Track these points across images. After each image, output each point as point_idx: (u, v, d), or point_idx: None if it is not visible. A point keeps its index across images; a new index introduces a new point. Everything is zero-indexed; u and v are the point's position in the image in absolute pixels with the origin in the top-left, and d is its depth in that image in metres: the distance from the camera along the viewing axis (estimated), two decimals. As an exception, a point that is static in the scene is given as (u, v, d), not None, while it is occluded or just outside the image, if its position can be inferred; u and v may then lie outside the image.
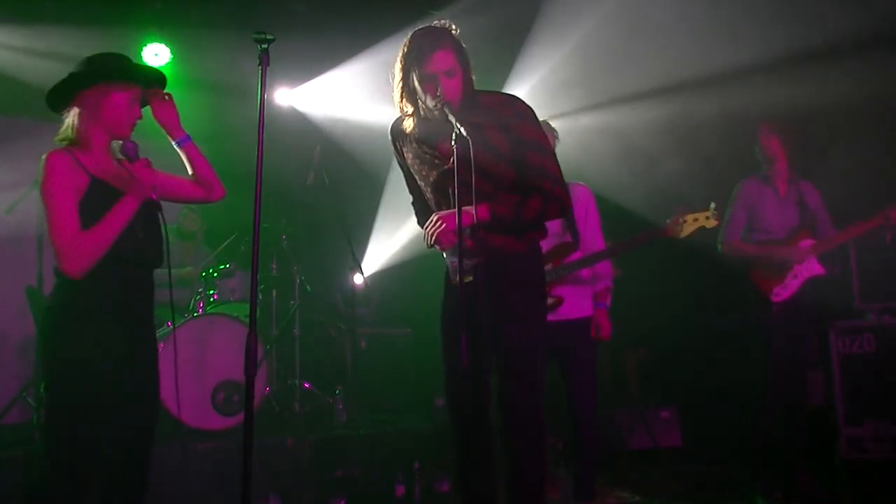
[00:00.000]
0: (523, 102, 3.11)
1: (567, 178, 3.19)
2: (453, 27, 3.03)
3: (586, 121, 6.26)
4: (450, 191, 2.97)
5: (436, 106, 2.92)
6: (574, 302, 4.16)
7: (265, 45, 2.64)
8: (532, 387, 2.98)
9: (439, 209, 3.09)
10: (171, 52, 6.48)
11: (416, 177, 3.18)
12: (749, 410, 4.62)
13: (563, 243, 4.12)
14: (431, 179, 3.08)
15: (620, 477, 5.35)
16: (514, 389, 2.96)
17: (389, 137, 3.23)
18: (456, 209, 2.74)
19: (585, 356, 4.18)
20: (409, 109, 3.04)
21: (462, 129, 2.76)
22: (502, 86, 6.33)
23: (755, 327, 4.60)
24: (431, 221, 2.99)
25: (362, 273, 6.34)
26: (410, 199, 3.37)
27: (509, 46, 6.27)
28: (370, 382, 6.41)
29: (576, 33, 5.98)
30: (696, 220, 4.12)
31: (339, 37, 6.39)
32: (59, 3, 5.79)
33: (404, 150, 3.17)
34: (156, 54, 6.44)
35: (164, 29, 6.40)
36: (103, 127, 2.89)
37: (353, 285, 6.39)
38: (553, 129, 4.25)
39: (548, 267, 3.95)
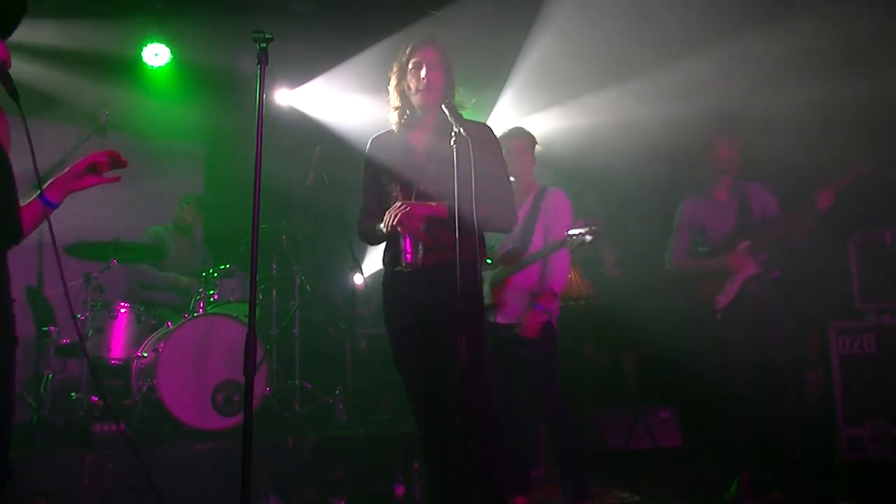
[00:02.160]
0: (490, 128, 3.46)
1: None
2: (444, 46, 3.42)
3: (584, 119, 6.27)
4: (413, 181, 3.26)
5: (420, 94, 3.29)
6: (521, 305, 4.22)
7: (264, 45, 2.66)
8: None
9: (395, 201, 3.28)
10: (171, 53, 6.49)
11: (392, 187, 3.34)
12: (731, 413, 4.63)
13: (512, 249, 4.27)
14: (397, 172, 3.31)
15: (620, 477, 5.36)
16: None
17: (369, 149, 3.47)
18: (421, 201, 3.11)
19: (543, 358, 4.21)
20: (397, 103, 3.39)
21: (462, 130, 2.84)
22: (501, 85, 6.35)
23: (708, 340, 4.66)
24: (393, 206, 3.17)
25: (362, 273, 6.34)
26: (362, 216, 3.48)
27: (507, 47, 6.28)
28: (370, 382, 6.42)
29: (577, 31, 5.98)
30: (578, 236, 3.95)
31: (340, 37, 6.39)
32: (59, 1, 5.80)
33: (384, 161, 3.39)
34: (156, 54, 6.44)
35: (163, 29, 6.41)
36: None
37: (353, 285, 6.40)
38: (532, 137, 4.42)
39: (496, 270, 4.21)
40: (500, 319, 4.19)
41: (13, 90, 2.42)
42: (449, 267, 2.91)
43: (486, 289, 4.19)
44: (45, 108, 6.38)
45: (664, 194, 5.32)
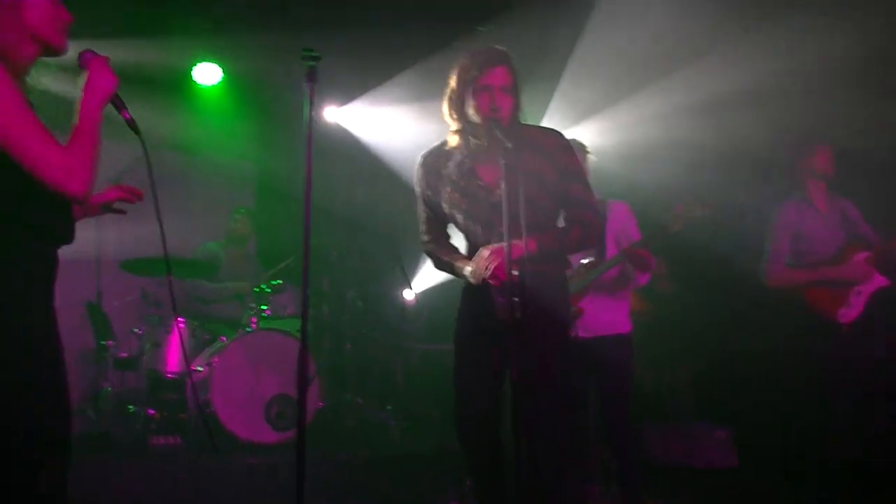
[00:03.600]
0: (561, 134, 3.18)
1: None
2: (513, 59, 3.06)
3: (632, 134, 6.21)
4: (495, 222, 2.96)
5: (485, 120, 2.94)
6: (605, 318, 4.14)
7: (313, 63, 2.67)
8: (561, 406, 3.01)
9: (476, 241, 3.11)
10: (223, 72, 6.61)
11: (453, 210, 3.14)
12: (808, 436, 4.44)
13: (589, 262, 4.11)
14: (473, 211, 3.08)
15: (670, 494, 5.25)
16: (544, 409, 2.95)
17: (419, 169, 3.23)
18: (503, 242, 2.74)
19: (619, 373, 4.14)
20: (455, 126, 3.08)
21: (510, 144, 2.77)
22: (547, 102, 6.32)
23: (814, 355, 4.39)
24: (481, 256, 2.96)
25: (412, 289, 6.36)
26: (426, 238, 3.31)
27: (554, 62, 6.25)
28: (421, 398, 6.42)
29: (623, 46, 5.94)
30: (691, 212, 3.94)
31: (387, 55, 6.44)
32: (114, 22, 5.95)
33: (438, 184, 3.16)
34: (207, 73, 6.58)
35: (215, 49, 6.53)
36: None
37: (404, 301, 6.42)
38: (584, 147, 4.28)
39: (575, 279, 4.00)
40: (582, 333, 4.02)
41: (131, 120, 2.39)
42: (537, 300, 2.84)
43: None
44: (101, 128, 6.54)
45: (719, 205, 5.23)
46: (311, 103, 2.67)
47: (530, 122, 3.24)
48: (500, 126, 2.88)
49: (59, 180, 2.03)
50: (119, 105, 2.34)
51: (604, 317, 4.13)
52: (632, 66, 5.98)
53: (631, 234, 4.19)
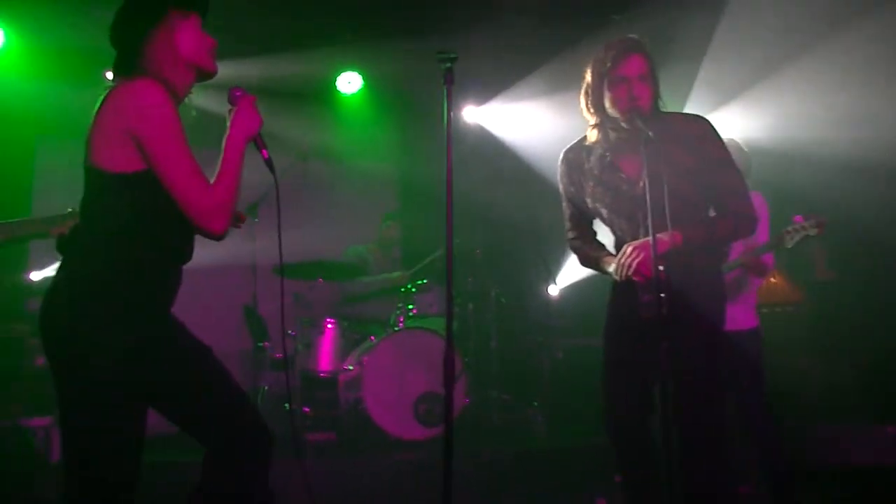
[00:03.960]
0: (708, 121, 3.04)
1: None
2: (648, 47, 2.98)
3: (792, 106, 5.91)
4: (639, 216, 2.92)
5: (625, 112, 2.89)
6: (733, 313, 3.98)
7: (449, 64, 2.69)
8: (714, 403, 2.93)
9: (622, 236, 3.06)
10: (363, 79, 6.80)
11: (596, 205, 3.10)
12: None
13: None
14: (616, 205, 3.03)
15: (834, 498, 4.96)
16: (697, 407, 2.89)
17: (561, 165, 3.20)
18: (648, 237, 2.69)
19: (753, 367, 4.02)
20: (593, 120, 3.03)
21: (651, 134, 2.71)
22: (687, 93, 6.12)
23: None
24: (625, 253, 2.90)
25: (556, 284, 6.32)
26: (571, 234, 3.28)
27: (694, 47, 6.04)
28: (568, 394, 6.36)
29: (762, 37, 5.67)
30: (801, 228, 3.79)
31: (523, 51, 6.43)
32: (259, 38, 6.24)
33: (581, 179, 3.13)
34: (349, 82, 6.78)
35: (355, 57, 6.73)
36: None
37: (548, 297, 6.38)
38: (739, 145, 4.14)
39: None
40: None
41: (269, 160, 2.50)
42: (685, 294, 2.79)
43: None
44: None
45: (888, 186, 4.91)
46: (449, 104, 2.70)
47: (671, 109, 3.12)
48: (640, 115, 2.82)
49: (203, 222, 2.19)
50: (260, 144, 2.46)
51: (732, 311, 3.99)
52: (779, 44, 5.71)
53: (759, 231, 4.04)
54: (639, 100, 2.88)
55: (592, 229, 3.28)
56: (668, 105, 3.07)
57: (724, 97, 6.04)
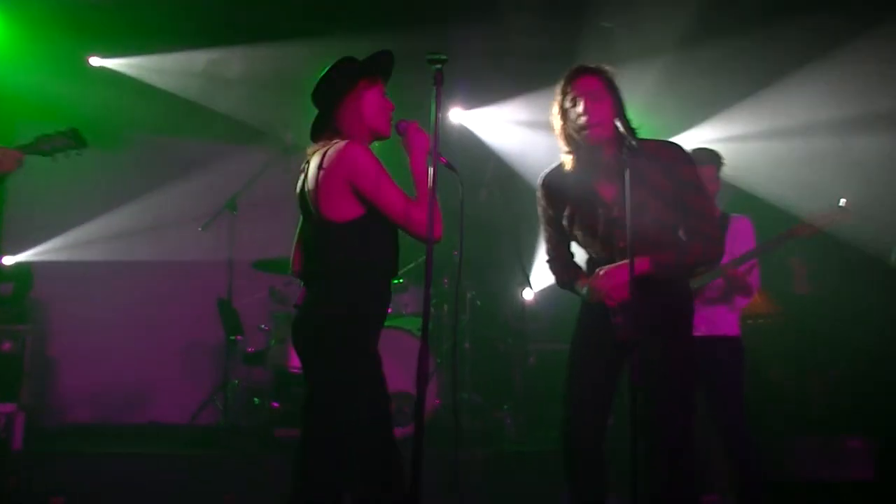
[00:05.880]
0: (679, 146, 3.13)
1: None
2: (609, 68, 3.07)
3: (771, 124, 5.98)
4: (614, 240, 3.02)
5: (580, 129, 2.96)
6: (713, 319, 4.05)
7: (439, 66, 2.71)
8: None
9: (597, 259, 3.14)
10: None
11: (573, 228, 3.15)
12: None
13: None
14: (592, 229, 3.08)
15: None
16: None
17: (539, 190, 3.24)
18: (618, 262, 2.93)
19: (731, 377, 4.03)
20: (567, 148, 3.08)
21: (633, 142, 2.77)
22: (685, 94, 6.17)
23: None
24: (597, 276, 3.00)
25: (532, 288, 6.34)
26: (548, 256, 3.33)
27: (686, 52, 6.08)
28: (539, 398, 6.37)
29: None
30: (826, 216, 3.86)
31: (514, 54, 6.44)
32: (248, 29, 6.21)
33: (559, 203, 3.17)
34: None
35: (343, 54, 6.69)
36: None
37: (523, 301, 6.39)
38: (719, 157, 4.20)
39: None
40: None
41: (448, 163, 2.85)
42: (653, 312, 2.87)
43: None
44: (234, 132, 6.85)
45: (864, 206, 4.96)
46: (438, 105, 2.70)
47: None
48: (610, 141, 2.91)
49: (425, 232, 2.65)
50: (436, 156, 2.76)
51: (711, 317, 4.06)
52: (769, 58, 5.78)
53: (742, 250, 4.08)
54: (592, 116, 2.94)
55: (570, 252, 3.33)
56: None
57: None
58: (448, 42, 6.01)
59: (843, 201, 3.88)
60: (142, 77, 6.36)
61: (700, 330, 3.97)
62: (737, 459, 4.01)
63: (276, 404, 5.44)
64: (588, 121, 2.94)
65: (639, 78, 5.79)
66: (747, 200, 5.65)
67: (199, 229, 5.70)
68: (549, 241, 3.31)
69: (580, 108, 2.96)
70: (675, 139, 3.25)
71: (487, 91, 6.88)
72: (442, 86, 2.71)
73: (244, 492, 4.48)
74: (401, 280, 5.87)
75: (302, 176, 2.92)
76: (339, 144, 2.75)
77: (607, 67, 3.06)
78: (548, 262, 3.35)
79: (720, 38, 5.73)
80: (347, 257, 2.75)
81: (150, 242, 6.62)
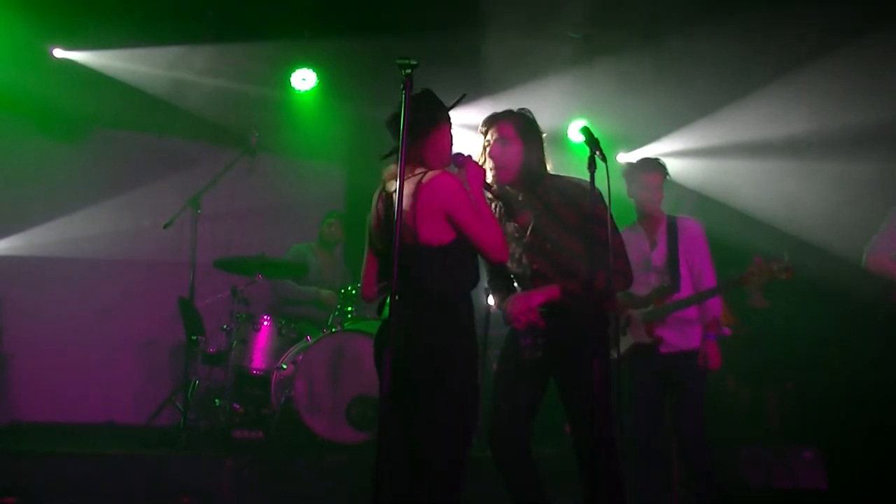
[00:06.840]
0: (588, 185, 3.26)
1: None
2: (528, 112, 3.36)
3: (726, 139, 6.07)
4: (526, 264, 3.32)
5: (489, 168, 3.26)
6: (680, 333, 4.16)
7: (408, 70, 2.72)
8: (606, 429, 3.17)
9: (519, 282, 3.39)
10: (318, 77, 6.75)
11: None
12: None
13: (662, 287, 4.16)
14: (516, 256, 3.33)
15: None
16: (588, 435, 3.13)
17: None
18: (528, 289, 3.28)
19: (694, 389, 4.14)
20: (494, 186, 3.32)
21: (540, 181, 3.21)
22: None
23: None
24: (509, 301, 3.26)
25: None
26: (487, 279, 3.52)
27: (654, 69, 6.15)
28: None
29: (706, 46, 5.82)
30: (769, 271, 3.90)
31: (480, 65, 6.45)
32: (217, 26, 6.16)
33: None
34: (303, 79, 6.73)
35: (311, 55, 6.68)
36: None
37: (487, 307, 6.40)
38: (664, 168, 4.30)
39: (649, 308, 4.12)
40: (664, 350, 4.13)
41: (491, 188, 3.19)
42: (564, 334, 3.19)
43: (641, 328, 4.13)
44: (199, 130, 6.79)
45: (825, 219, 5.06)
46: (406, 110, 2.71)
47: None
48: (504, 179, 3.25)
49: (502, 256, 2.97)
50: (487, 186, 3.18)
51: (678, 334, 4.17)
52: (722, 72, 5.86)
53: (700, 257, 4.21)
54: (496, 159, 3.26)
55: (508, 277, 3.45)
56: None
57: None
58: (413, 44, 6.01)
59: (786, 256, 3.93)
60: (106, 70, 6.27)
61: (672, 345, 4.13)
62: (693, 471, 4.11)
63: (237, 406, 5.39)
64: (493, 164, 3.26)
65: (607, 87, 5.86)
66: (718, 212, 5.74)
67: (162, 227, 5.64)
68: (486, 265, 3.45)
69: (486, 154, 3.29)
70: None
71: (450, 97, 6.88)
72: (412, 90, 2.73)
73: (202, 494, 4.43)
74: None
75: (379, 202, 3.05)
76: (434, 175, 2.91)
77: (523, 112, 3.34)
78: (487, 283, 3.55)
79: (696, 46, 5.81)
80: (453, 277, 2.94)
81: (110, 239, 6.52)
